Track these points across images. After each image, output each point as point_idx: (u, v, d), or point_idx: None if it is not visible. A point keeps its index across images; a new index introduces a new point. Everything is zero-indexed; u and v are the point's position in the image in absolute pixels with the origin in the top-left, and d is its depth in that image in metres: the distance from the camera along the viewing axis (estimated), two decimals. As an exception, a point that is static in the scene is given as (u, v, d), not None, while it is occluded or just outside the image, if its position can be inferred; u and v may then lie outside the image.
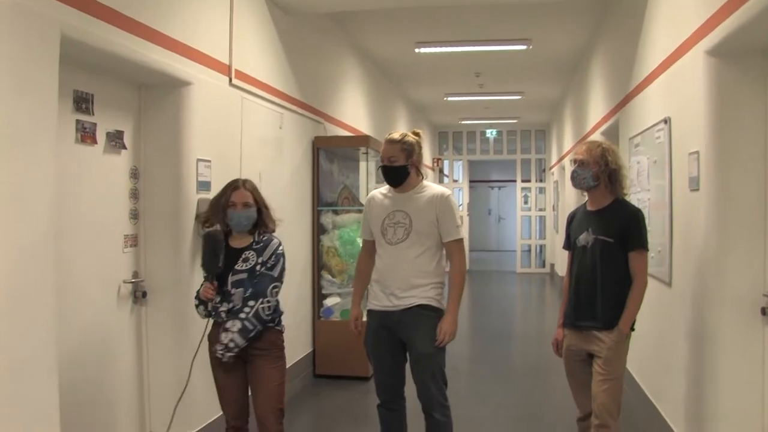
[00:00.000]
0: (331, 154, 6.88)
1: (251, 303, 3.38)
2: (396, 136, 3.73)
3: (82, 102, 3.44)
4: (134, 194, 3.91)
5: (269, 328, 3.50)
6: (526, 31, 7.61)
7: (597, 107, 7.72)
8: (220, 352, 3.33)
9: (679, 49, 4.07)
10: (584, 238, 3.58)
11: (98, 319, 3.62)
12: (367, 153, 7.01)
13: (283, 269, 3.53)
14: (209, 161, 4.24)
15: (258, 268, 3.43)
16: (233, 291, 3.41)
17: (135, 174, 3.92)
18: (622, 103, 5.97)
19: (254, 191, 3.54)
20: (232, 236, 3.53)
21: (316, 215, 6.53)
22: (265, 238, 3.53)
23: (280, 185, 5.59)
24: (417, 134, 3.82)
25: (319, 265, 6.54)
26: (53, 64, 2.87)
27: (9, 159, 2.62)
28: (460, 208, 18.13)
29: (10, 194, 2.63)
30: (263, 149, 5.22)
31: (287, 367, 5.53)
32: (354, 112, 8.23)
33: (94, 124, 3.54)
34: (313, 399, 5.91)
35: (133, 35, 3.48)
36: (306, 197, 6.37)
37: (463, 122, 15.59)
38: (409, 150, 3.70)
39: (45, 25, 2.81)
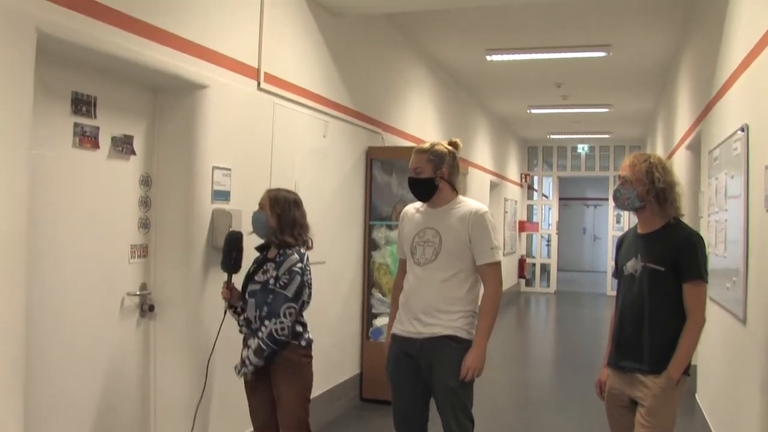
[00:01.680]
0: (388, 166, 6.54)
1: (266, 323, 3.33)
2: (425, 145, 3.40)
3: (82, 104, 3.26)
4: (145, 202, 3.70)
5: (287, 344, 3.36)
6: (605, 36, 7.04)
7: (683, 119, 7.04)
8: (238, 368, 3.39)
9: (759, 43, 3.49)
10: (632, 266, 3.08)
11: (100, 333, 3.42)
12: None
13: (301, 287, 3.37)
14: (228, 169, 3.99)
15: (272, 282, 3.36)
16: (250, 301, 3.42)
17: (146, 181, 3.71)
18: (704, 112, 5.34)
19: (275, 198, 3.47)
20: (270, 248, 3.51)
21: (367, 230, 6.20)
22: (290, 253, 3.40)
23: (324, 197, 5.30)
24: (453, 144, 3.45)
25: (369, 282, 6.20)
26: (27, 64, 2.67)
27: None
28: (549, 226, 17.41)
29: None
30: (301, 158, 4.94)
31: (329, 387, 5.30)
32: (420, 122, 7.87)
33: (96, 128, 3.35)
34: (356, 424, 5.58)
35: (137, 36, 3.28)
36: (356, 210, 6.05)
37: (552, 137, 14.94)
38: (437, 161, 3.34)
39: (20, 23, 2.62)
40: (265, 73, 4.37)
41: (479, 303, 3.34)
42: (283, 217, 3.43)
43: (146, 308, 3.67)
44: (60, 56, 3.06)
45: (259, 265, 3.48)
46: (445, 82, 8.97)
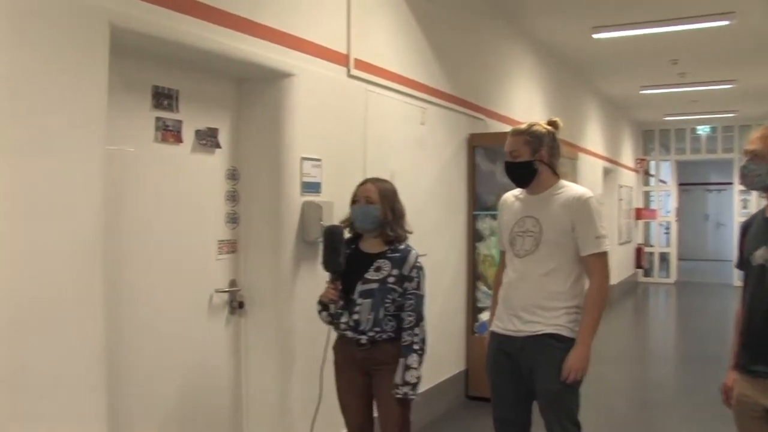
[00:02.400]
0: (492, 153, 6.20)
1: (417, 331, 3.12)
2: (522, 126, 3.12)
3: (163, 98, 3.18)
4: (232, 197, 3.60)
5: (394, 339, 3.14)
6: (727, 2, 6.41)
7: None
8: (410, 394, 3.09)
9: None
10: (761, 255, 2.67)
11: (188, 330, 3.35)
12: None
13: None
14: (319, 160, 3.83)
15: (391, 280, 3.11)
16: (360, 301, 3.10)
17: (233, 175, 3.61)
18: None
19: (383, 190, 3.22)
20: (362, 239, 3.25)
21: (471, 220, 5.93)
22: (402, 247, 3.19)
23: (422, 187, 5.07)
24: (552, 123, 3.15)
25: (474, 275, 5.93)
26: (101, 59, 2.59)
27: (43, 159, 2.37)
28: (668, 213, 16.47)
29: (44, 196, 2.37)
30: (398, 147, 4.73)
31: (433, 384, 5.11)
32: (526, 107, 7.49)
33: (179, 122, 3.27)
34: (461, 422, 5.35)
35: (219, 26, 3.16)
36: (458, 200, 5.79)
37: (668, 118, 14.05)
38: (536, 143, 3.06)
39: (92, 17, 2.54)
40: (356, 59, 4.18)
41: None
42: (395, 209, 3.24)
43: (235, 305, 3.58)
44: (139, 50, 2.98)
45: (363, 262, 3.18)
46: (550, 64, 8.52)
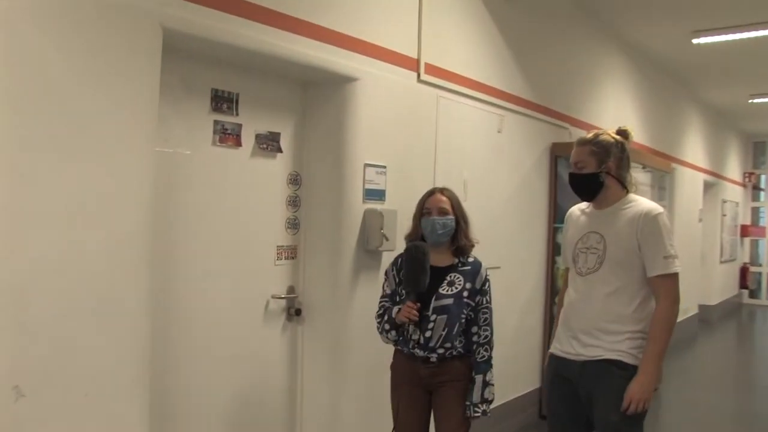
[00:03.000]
0: (577, 164, 5.96)
1: (491, 345, 3.04)
2: (588, 135, 2.92)
3: (222, 101, 3.16)
4: (294, 202, 3.55)
5: (463, 356, 3.02)
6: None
7: None
8: (484, 411, 2.98)
9: None
10: None
11: (244, 336, 3.32)
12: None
13: None
14: (383, 167, 3.73)
15: (465, 294, 2.99)
16: (434, 317, 2.95)
17: (295, 180, 3.56)
18: None
19: (454, 199, 3.11)
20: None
21: (551, 233, 5.68)
22: (472, 260, 3.09)
23: (498, 197, 4.89)
24: (622, 132, 2.94)
25: (553, 290, 5.68)
26: (152, 62, 2.58)
27: (89, 162, 2.38)
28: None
29: (88, 198, 2.38)
30: (472, 155, 4.57)
31: (504, 402, 4.93)
32: (616, 115, 7.14)
33: (239, 125, 3.24)
34: (533, 444, 5.10)
35: (282, 30, 3.13)
36: (538, 212, 5.56)
37: (782, 129, 13.18)
38: (602, 153, 2.87)
39: (143, 20, 2.54)
40: (426, 64, 4.06)
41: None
42: (465, 218, 3.13)
43: (293, 312, 3.52)
44: (198, 53, 2.99)
45: (434, 276, 2.96)
46: (645, 71, 8.10)
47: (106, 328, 2.43)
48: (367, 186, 3.64)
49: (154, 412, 2.67)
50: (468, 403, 2.97)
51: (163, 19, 2.59)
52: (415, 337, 2.98)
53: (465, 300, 2.99)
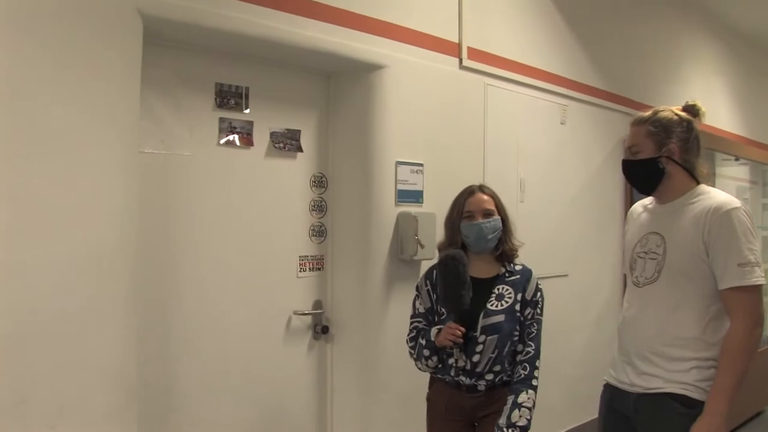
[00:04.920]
0: (656, 157, 5.37)
1: (537, 363, 2.54)
2: (646, 113, 2.39)
3: (229, 97, 2.84)
4: (318, 206, 3.20)
5: (507, 382, 2.54)
6: None
7: None
8: None
9: None
10: None
11: (261, 359, 2.97)
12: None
13: None
14: (420, 165, 3.32)
15: (517, 308, 2.55)
16: (482, 339, 2.49)
17: (320, 182, 3.20)
18: None
19: (496, 197, 2.67)
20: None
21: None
22: (519, 268, 2.64)
23: (562, 197, 4.39)
24: (689, 109, 2.40)
25: (631, 299, 5.09)
26: (130, 55, 2.28)
27: (47, 165, 2.08)
28: None
29: (48, 205, 2.08)
30: (529, 151, 4.08)
31: (574, 426, 4.44)
32: (703, 102, 6.37)
33: (249, 123, 2.91)
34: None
35: (292, 14, 2.79)
36: (612, 212, 4.99)
37: None
38: (662, 134, 2.31)
39: (118, 7, 2.24)
40: (469, 48, 3.62)
41: None
42: (509, 218, 2.69)
43: (319, 330, 3.15)
44: (196, 44, 2.68)
45: (478, 290, 2.52)
46: (737, 49, 7.29)
47: (69, 347, 2.12)
48: (400, 187, 3.24)
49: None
50: (497, 425, 2.46)
51: (141, 4, 2.29)
52: (460, 363, 2.51)
53: (518, 314, 2.54)
